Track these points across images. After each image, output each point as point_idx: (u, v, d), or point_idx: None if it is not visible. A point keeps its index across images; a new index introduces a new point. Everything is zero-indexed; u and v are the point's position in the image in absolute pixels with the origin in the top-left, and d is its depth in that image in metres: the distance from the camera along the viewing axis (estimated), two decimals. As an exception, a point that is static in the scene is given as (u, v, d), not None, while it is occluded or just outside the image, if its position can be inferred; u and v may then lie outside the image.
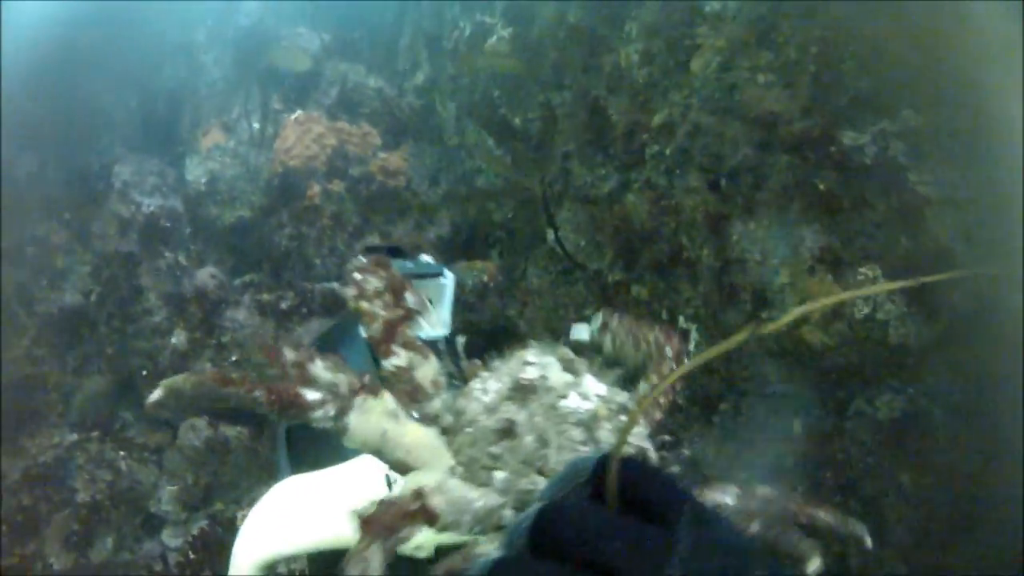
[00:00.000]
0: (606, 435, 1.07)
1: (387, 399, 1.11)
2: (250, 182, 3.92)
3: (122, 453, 2.99)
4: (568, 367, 1.14)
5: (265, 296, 3.50)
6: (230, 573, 1.48)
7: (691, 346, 2.73)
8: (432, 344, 1.77)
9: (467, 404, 1.09)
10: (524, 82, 3.55)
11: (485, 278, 3.58)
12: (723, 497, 1.09)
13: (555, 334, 3.32)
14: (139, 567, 2.73)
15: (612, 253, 3.05)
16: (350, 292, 1.16)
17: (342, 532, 1.12)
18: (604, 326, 1.41)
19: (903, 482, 2.38)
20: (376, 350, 1.15)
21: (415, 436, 1.11)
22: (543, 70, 3.43)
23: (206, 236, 3.86)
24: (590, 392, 1.12)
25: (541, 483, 1.04)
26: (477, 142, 3.91)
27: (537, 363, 1.13)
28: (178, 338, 3.22)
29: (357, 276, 1.16)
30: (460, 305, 3.60)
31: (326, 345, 1.90)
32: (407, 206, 3.97)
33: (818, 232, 2.32)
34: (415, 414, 1.12)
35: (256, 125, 4.17)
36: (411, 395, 1.12)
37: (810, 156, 2.30)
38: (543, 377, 1.11)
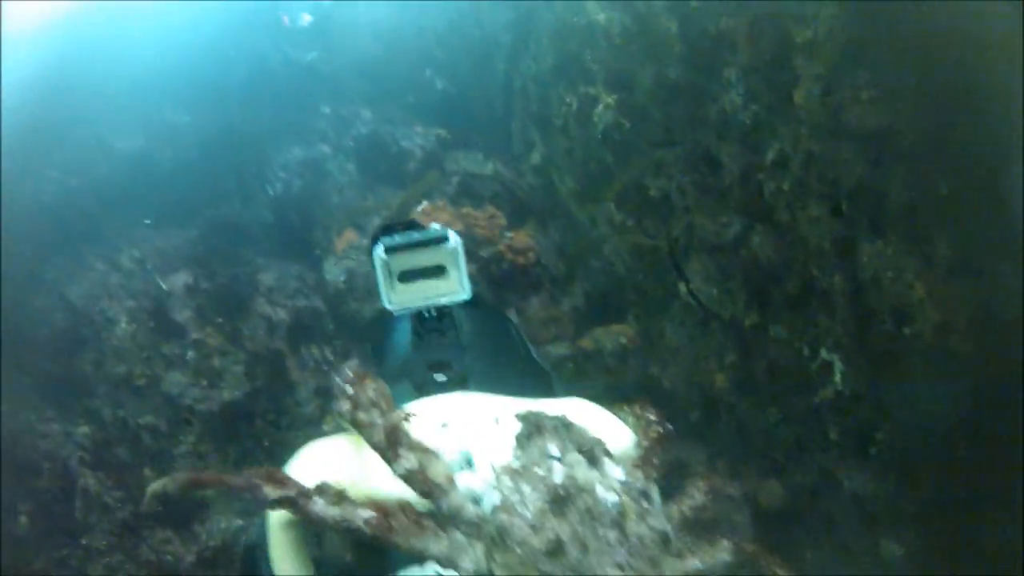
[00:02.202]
0: (634, 527, 1.12)
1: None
2: (386, 275, 4.09)
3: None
4: (591, 458, 1.18)
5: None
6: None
7: (836, 377, 2.64)
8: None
9: (509, 520, 1.12)
10: (637, 145, 3.60)
11: (623, 340, 3.59)
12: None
13: (699, 387, 3.29)
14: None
15: (745, 297, 3.02)
16: (344, 406, 1.20)
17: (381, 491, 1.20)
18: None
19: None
20: (384, 457, 1.20)
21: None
22: (652, 130, 3.48)
23: (349, 331, 4.05)
24: (613, 481, 1.17)
25: None
26: (599, 210, 3.96)
27: (562, 458, 1.17)
28: (329, 426, 3.37)
29: (349, 389, 1.21)
30: (602, 369, 3.64)
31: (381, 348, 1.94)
32: (539, 281, 4.06)
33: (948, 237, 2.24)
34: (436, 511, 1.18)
35: (386, 222, 4.38)
36: (427, 494, 1.18)
37: (927, 162, 2.24)
38: (572, 477, 1.14)
